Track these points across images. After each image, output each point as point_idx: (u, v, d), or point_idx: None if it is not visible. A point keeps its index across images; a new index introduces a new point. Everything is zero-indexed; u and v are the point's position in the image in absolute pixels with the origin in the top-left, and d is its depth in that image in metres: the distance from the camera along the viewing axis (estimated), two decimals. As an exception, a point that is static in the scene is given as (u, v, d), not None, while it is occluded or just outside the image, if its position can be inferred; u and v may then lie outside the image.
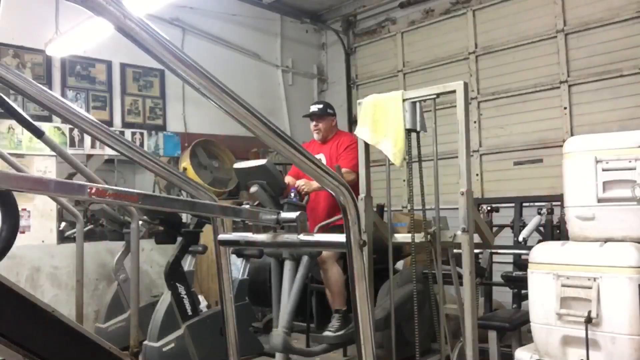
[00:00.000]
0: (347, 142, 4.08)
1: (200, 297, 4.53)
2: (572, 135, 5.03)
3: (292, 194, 3.66)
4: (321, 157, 4.15)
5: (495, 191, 5.80)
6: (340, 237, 1.37)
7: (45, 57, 5.15)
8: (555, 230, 3.78)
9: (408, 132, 2.87)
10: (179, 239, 4.24)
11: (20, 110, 2.65)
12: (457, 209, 2.68)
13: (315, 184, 3.68)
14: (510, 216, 4.28)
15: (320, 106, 4.22)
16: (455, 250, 2.91)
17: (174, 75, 1.09)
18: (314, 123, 4.20)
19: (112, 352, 1.42)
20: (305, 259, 3.45)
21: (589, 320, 2.34)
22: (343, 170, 3.92)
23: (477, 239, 2.83)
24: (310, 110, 4.23)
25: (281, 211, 1.62)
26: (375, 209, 3.57)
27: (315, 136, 4.24)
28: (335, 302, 3.79)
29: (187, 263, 4.27)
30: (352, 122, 7.06)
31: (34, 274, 4.93)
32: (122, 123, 5.66)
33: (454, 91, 2.72)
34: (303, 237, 1.51)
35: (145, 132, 5.80)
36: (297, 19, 7.26)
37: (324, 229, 3.85)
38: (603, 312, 2.34)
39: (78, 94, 5.39)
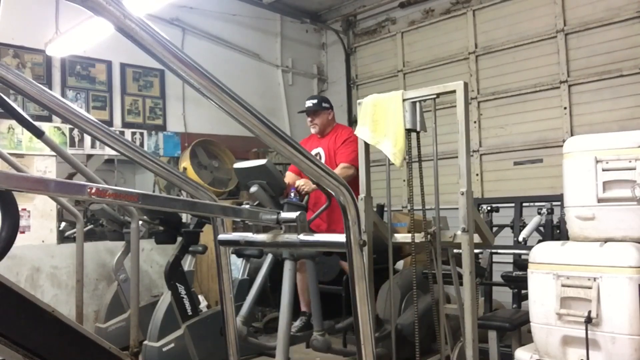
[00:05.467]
0: (345, 135, 4.09)
1: (200, 297, 4.53)
2: (572, 135, 5.03)
3: (292, 194, 3.66)
4: (319, 150, 4.16)
5: (495, 191, 5.80)
6: (340, 237, 1.37)
7: (45, 57, 5.15)
8: (555, 230, 3.78)
9: (408, 132, 2.86)
10: (179, 239, 4.24)
11: (20, 110, 2.65)
12: (457, 209, 2.68)
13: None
14: (510, 216, 4.28)
15: (315, 101, 4.23)
16: (455, 250, 2.91)
17: (174, 75, 1.09)
18: (309, 119, 4.22)
19: (112, 352, 1.43)
20: (309, 262, 3.50)
21: (589, 320, 2.34)
22: (341, 165, 3.93)
23: (477, 239, 2.83)
24: (305, 106, 4.24)
25: (281, 211, 1.62)
26: (375, 209, 3.57)
27: (313, 131, 4.25)
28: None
29: (187, 263, 4.27)
30: (352, 122, 7.06)
31: (34, 274, 4.93)
32: (122, 123, 5.66)
33: (454, 91, 2.72)
34: (303, 237, 1.51)
35: (145, 132, 5.80)
36: (297, 19, 7.26)
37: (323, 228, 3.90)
38: (603, 312, 2.34)
39: (78, 94, 5.39)
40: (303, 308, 3.94)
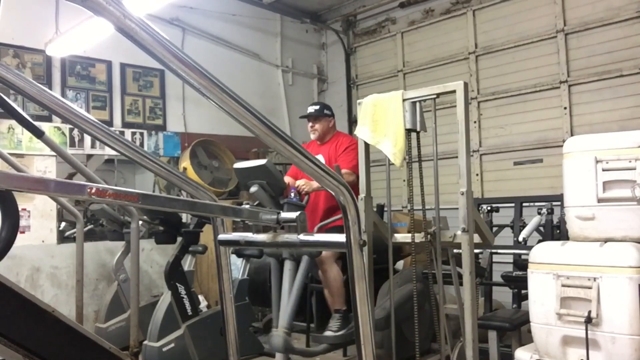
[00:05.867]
0: (347, 143, 4.08)
1: (200, 297, 4.54)
2: (572, 135, 5.03)
3: (292, 194, 3.66)
4: (320, 158, 4.15)
5: (495, 191, 5.80)
6: (340, 237, 1.37)
7: (45, 57, 5.15)
8: (555, 230, 3.78)
9: (408, 132, 2.87)
10: (179, 239, 4.24)
11: (20, 110, 2.65)
12: (457, 209, 2.68)
13: (315, 184, 3.68)
14: (510, 216, 4.28)
15: (317, 107, 4.23)
16: (455, 250, 2.91)
17: (174, 75, 1.09)
18: (310, 124, 4.22)
19: (112, 352, 1.43)
20: (305, 258, 3.45)
21: (589, 320, 2.34)
22: (343, 171, 3.92)
23: (477, 239, 2.83)
24: (307, 112, 4.24)
25: (281, 211, 1.62)
26: (375, 209, 3.57)
27: (312, 136, 4.25)
28: (335, 302, 3.79)
29: (187, 263, 4.27)
30: (352, 122, 7.07)
31: (34, 274, 4.93)
32: (122, 123, 5.66)
33: (454, 91, 2.72)
34: (303, 237, 1.51)
35: (145, 132, 5.80)
36: (297, 19, 7.26)
37: (323, 229, 3.86)
38: (603, 312, 2.34)
39: (78, 94, 5.39)
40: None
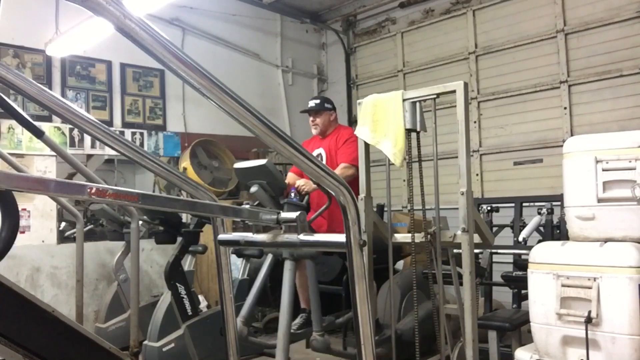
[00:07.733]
0: (347, 135, 4.09)
1: (200, 297, 4.53)
2: (572, 135, 5.03)
3: (292, 194, 3.66)
4: (321, 151, 4.17)
5: (495, 191, 5.80)
6: (340, 237, 1.37)
7: (45, 57, 5.15)
8: (555, 230, 3.78)
9: (408, 132, 2.86)
10: (179, 239, 4.24)
11: (20, 110, 2.65)
12: (457, 209, 2.68)
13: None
14: (510, 216, 4.28)
15: (318, 101, 4.25)
16: (455, 250, 2.91)
17: (174, 75, 1.09)
18: (311, 118, 4.23)
19: (112, 352, 1.43)
20: (309, 263, 3.50)
21: (589, 320, 2.34)
22: (342, 165, 3.93)
23: (477, 239, 2.82)
24: (308, 106, 4.25)
25: (281, 211, 1.62)
26: (375, 209, 3.57)
27: (314, 131, 4.26)
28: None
29: (187, 263, 4.27)
30: (352, 122, 7.06)
31: (34, 274, 4.93)
32: (122, 123, 5.66)
33: (454, 91, 2.72)
34: (303, 237, 1.51)
35: (145, 132, 5.81)
36: (297, 19, 7.26)
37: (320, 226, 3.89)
38: (603, 312, 2.34)
39: (78, 94, 5.39)
40: (303, 305, 3.93)
